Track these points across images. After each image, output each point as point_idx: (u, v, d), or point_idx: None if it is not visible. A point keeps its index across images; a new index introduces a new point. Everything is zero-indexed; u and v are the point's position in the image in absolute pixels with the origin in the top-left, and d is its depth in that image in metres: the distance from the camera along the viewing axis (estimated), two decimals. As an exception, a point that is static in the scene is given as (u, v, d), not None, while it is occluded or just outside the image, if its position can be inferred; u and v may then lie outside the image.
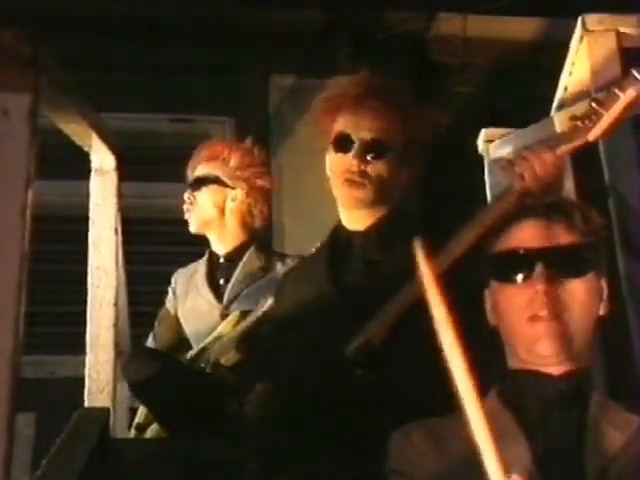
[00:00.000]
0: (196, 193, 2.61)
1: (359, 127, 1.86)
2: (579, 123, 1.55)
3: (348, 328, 1.69)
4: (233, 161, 2.62)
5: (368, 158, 1.85)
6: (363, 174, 1.85)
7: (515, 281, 1.32)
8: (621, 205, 1.95)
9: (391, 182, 1.88)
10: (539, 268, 1.29)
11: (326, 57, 3.84)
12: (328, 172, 1.94)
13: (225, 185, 2.61)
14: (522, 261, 1.32)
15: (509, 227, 1.38)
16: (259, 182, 2.64)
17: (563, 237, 1.33)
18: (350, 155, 1.85)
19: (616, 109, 1.51)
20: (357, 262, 1.86)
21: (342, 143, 1.87)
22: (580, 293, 1.31)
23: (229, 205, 2.61)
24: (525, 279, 1.31)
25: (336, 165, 1.89)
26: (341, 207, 1.93)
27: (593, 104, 1.54)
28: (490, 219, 1.51)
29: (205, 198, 2.61)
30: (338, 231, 1.94)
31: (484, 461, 0.99)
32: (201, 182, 2.61)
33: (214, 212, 2.61)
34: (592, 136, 1.55)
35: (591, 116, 1.54)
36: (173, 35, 3.80)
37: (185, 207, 2.64)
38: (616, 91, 1.51)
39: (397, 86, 1.94)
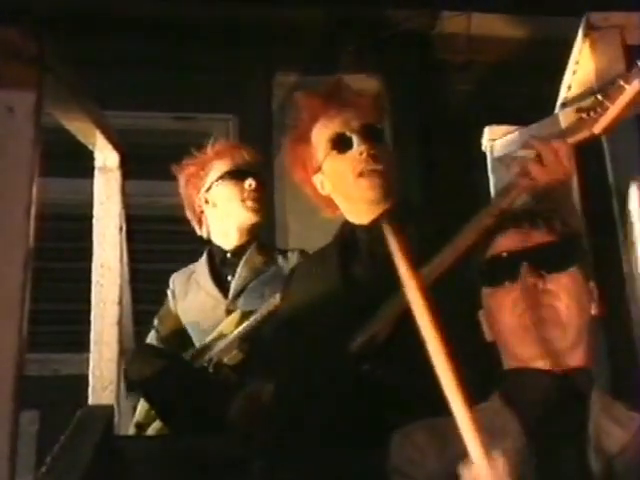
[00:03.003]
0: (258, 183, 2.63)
1: (347, 122, 1.88)
2: (584, 115, 1.55)
3: (357, 323, 1.69)
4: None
5: (371, 143, 1.86)
6: (374, 158, 1.85)
7: (503, 283, 1.38)
8: (625, 203, 1.94)
9: (394, 166, 1.88)
10: (524, 267, 1.35)
11: (330, 55, 3.84)
12: (323, 190, 1.93)
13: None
14: (508, 263, 1.38)
15: (493, 238, 1.44)
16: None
17: (543, 238, 1.39)
18: (355, 149, 1.85)
19: (621, 101, 1.51)
20: (363, 256, 1.86)
21: (341, 142, 1.88)
22: (567, 285, 1.36)
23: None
24: (513, 280, 1.36)
25: (343, 165, 1.88)
26: (356, 203, 1.90)
27: (598, 96, 1.53)
28: (492, 214, 1.52)
29: (262, 190, 2.64)
30: (345, 226, 1.94)
31: (465, 443, 1.02)
32: (258, 174, 2.66)
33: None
34: (598, 129, 1.55)
35: (596, 108, 1.53)
36: (177, 33, 3.81)
37: (251, 198, 2.62)
38: (621, 83, 1.51)
39: (346, 80, 1.98)
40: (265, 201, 2.66)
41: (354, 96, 1.91)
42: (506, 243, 1.41)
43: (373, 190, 1.85)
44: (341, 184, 1.90)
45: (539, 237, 1.39)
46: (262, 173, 2.69)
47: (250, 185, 2.58)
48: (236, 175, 2.61)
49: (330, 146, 1.89)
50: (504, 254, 1.39)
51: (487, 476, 1.05)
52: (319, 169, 1.93)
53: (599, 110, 1.54)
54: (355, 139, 1.85)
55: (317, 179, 1.94)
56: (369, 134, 1.86)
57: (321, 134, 1.90)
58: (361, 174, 1.85)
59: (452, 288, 1.54)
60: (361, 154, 1.84)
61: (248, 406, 1.85)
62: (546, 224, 1.41)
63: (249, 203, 2.59)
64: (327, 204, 1.95)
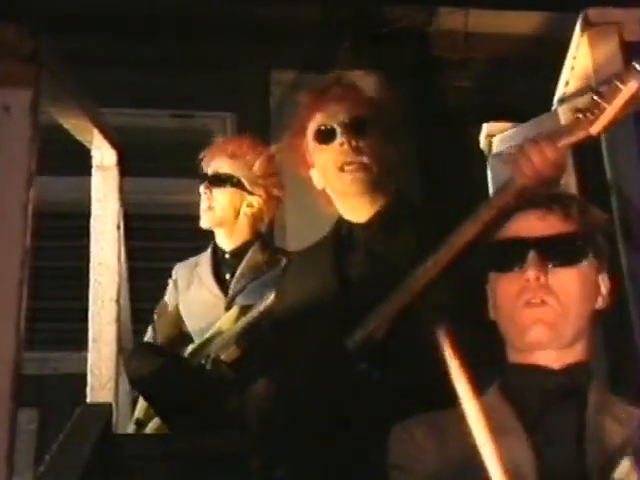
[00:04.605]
0: (214, 190, 2.61)
1: (334, 114, 1.87)
2: (581, 116, 1.55)
3: (352, 320, 1.69)
4: (257, 166, 2.62)
5: (354, 135, 1.85)
6: (357, 151, 1.84)
7: (510, 270, 1.34)
8: (623, 201, 1.94)
9: (383, 159, 1.87)
10: (532, 256, 1.31)
11: (327, 52, 3.83)
12: (319, 184, 1.92)
13: (245, 190, 2.61)
14: (516, 250, 1.34)
15: (508, 220, 1.40)
16: (275, 192, 2.64)
17: (558, 227, 1.35)
18: (337, 140, 1.85)
19: (618, 102, 1.50)
20: (360, 253, 1.86)
21: (324, 134, 1.87)
22: (572, 281, 1.32)
23: (244, 210, 2.61)
24: (519, 267, 1.32)
25: (326, 157, 1.87)
26: (342, 197, 1.90)
27: (595, 97, 1.53)
28: (490, 213, 1.51)
29: (223, 198, 2.60)
30: (340, 223, 1.93)
31: (485, 461, 1.00)
32: (222, 181, 2.61)
33: (230, 213, 2.61)
34: (594, 129, 1.54)
35: (593, 109, 1.53)
36: (174, 31, 3.80)
37: (202, 199, 2.62)
38: (617, 84, 1.50)
39: (346, 76, 1.99)
40: (220, 201, 2.61)
41: (346, 90, 1.92)
42: (518, 228, 1.37)
43: (356, 184, 1.84)
44: (327, 177, 1.90)
45: (553, 225, 1.35)
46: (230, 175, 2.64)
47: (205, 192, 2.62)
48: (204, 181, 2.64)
49: (315, 138, 1.89)
50: (514, 240, 1.35)
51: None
52: (313, 164, 1.93)
53: (596, 111, 1.53)
54: (338, 131, 1.86)
55: (313, 174, 1.94)
56: (354, 127, 1.86)
57: (310, 129, 1.91)
58: (342, 168, 1.84)
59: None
60: (342, 145, 1.84)
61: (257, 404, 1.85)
62: (563, 210, 1.36)
63: (202, 207, 2.62)
64: (324, 199, 1.94)
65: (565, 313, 1.31)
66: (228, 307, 2.53)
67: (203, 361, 2.38)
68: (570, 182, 2.17)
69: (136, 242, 2.94)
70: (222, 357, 2.34)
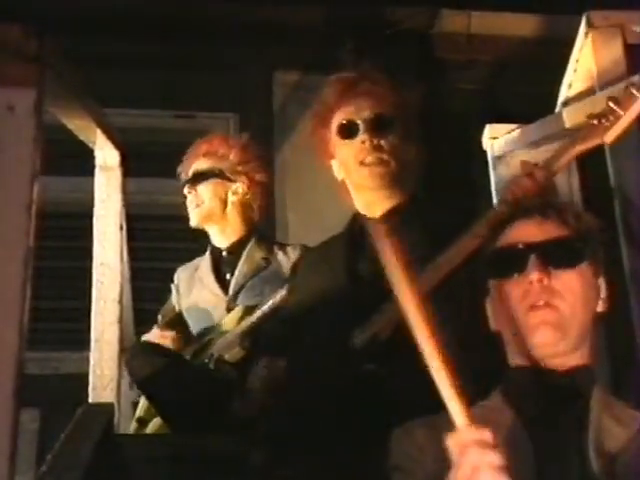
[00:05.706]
0: (197, 187, 2.62)
1: (359, 110, 1.89)
2: (595, 122, 1.53)
3: (360, 317, 1.69)
4: (233, 155, 2.65)
5: (377, 133, 1.87)
6: (377, 148, 1.87)
7: (511, 275, 1.35)
8: (626, 204, 1.94)
9: (405, 157, 1.90)
10: (532, 260, 1.32)
11: (330, 53, 3.83)
12: (339, 175, 1.94)
13: (227, 179, 2.63)
14: (516, 255, 1.35)
15: (504, 229, 1.41)
16: (258, 176, 2.67)
17: (555, 232, 1.37)
18: (358, 137, 1.88)
19: (634, 110, 1.49)
20: (371, 249, 1.87)
21: (347, 129, 1.90)
22: (574, 283, 1.34)
23: (231, 198, 2.63)
24: (520, 272, 1.34)
25: (347, 151, 1.90)
26: (359, 190, 1.92)
27: (610, 103, 1.51)
28: (477, 237, 1.52)
29: (207, 191, 2.62)
30: (355, 218, 1.94)
31: (449, 410, 1.02)
32: (202, 176, 2.63)
33: (216, 205, 2.63)
34: (609, 137, 1.53)
35: (607, 115, 1.51)
36: (177, 31, 3.80)
37: (188, 201, 2.65)
38: (634, 91, 1.49)
39: (377, 71, 1.99)
40: (206, 196, 2.64)
41: (374, 87, 1.93)
42: (516, 235, 1.38)
43: (373, 178, 1.87)
44: (346, 170, 1.93)
45: (550, 230, 1.37)
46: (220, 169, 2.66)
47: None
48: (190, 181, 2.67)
49: (338, 131, 1.92)
50: (513, 246, 1.37)
51: (473, 441, 1.03)
52: (334, 154, 1.95)
53: (611, 117, 1.51)
54: (361, 127, 1.87)
55: (334, 164, 1.96)
56: (377, 124, 1.88)
57: (335, 120, 1.93)
58: (362, 162, 1.87)
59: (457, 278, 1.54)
60: (363, 142, 1.86)
61: (268, 373, 1.85)
62: (558, 216, 1.38)
63: (190, 207, 2.65)
64: (342, 189, 1.96)
65: (569, 314, 1.32)
66: (229, 307, 2.54)
67: (207, 360, 2.39)
68: (573, 185, 2.17)
69: (138, 242, 2.94)
70: (226, 357, 2.34)
